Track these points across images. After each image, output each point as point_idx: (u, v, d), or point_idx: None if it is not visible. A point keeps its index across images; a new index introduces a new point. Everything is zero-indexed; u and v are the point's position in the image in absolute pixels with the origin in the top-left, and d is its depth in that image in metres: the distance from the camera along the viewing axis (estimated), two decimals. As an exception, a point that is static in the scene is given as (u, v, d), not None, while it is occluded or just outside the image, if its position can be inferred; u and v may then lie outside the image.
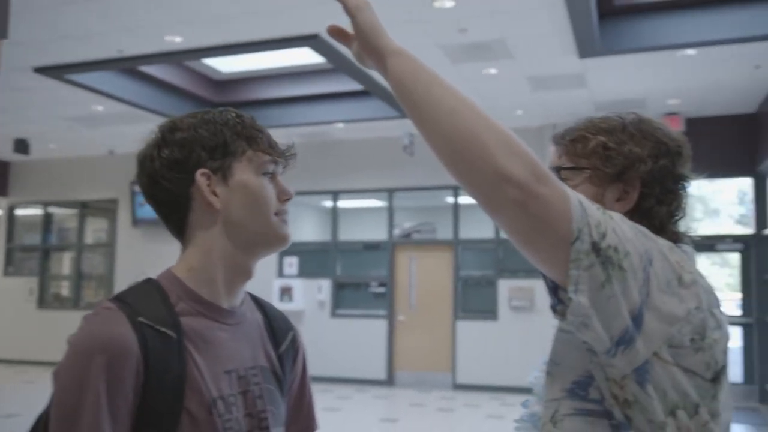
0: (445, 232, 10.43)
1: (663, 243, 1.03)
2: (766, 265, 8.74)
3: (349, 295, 10.83)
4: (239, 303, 1.23)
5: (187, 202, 1.17)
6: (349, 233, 11.11)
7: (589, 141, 1.17)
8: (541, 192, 0.92)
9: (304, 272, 10.79)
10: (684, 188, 1.18)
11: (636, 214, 1.12)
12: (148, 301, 1.11)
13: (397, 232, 10.57)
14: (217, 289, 1.18)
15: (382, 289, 10.53)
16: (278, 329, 1.31)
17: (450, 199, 10.50)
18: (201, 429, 1.08)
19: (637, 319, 0.95)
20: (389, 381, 10.22)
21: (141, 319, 1.07)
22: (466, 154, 0.95)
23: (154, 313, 1.10)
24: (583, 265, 0.93)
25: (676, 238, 1.14)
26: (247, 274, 1.21)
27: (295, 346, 1.34)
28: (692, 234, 1.18)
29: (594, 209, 0.97)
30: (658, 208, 1.15)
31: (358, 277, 10.83)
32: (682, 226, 1.18)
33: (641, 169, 1.13)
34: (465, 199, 10.50)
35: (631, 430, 0.98)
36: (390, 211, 10.60)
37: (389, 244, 10.51)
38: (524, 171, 0.92)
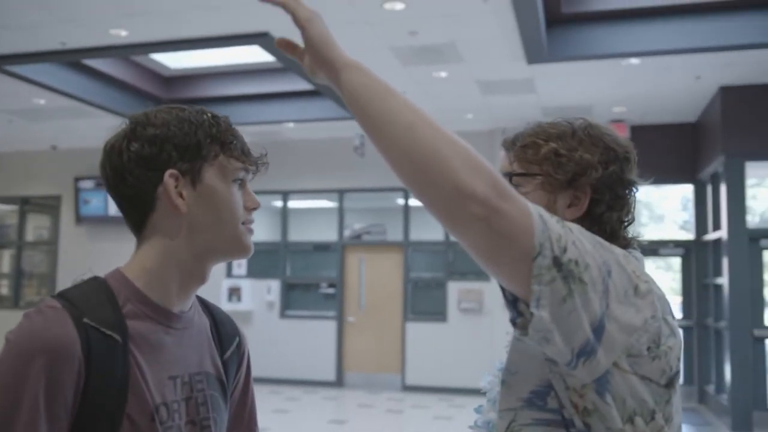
0: (395, 234, 10.46)
1: (618, 252, 1.04)
2: (705, 269, 9.02)
3: (298, 296, 10.77)
4: (189, 307, 1.20)
5: (152, 201, 1.14)
6: (299, 234, 11.05)
7: (541, 147, 1.18)
8: (503, 207, 0.91)
9: (253, 272, 10.68)
10: (632, 194, 1.20)
11: (587, 220, 1.14)
12: (94, 302, 1.07)
13: (347, 233, 10.56)
14: (169, 293, 1.15)
15: (331, 290, 10.50)
16: (225, 334, 1.29)
17: (400, 201, 10.54)
18: None
19: (597, 331, 0.96)
20: (338, 382, 10.20)
21: (86, 320, 1.04)
22: (426, 170, 0.93)
23: (100, 314, 1.06)
24: (544, 280, 0.93)
25: (626, 243, 1.16)
26: (202, 278, 1.19)
27: (240, 352, 1.32)
28: (640, 239, 1.20)
29: (554, 222, 0.97)
30: (608, 214, 1.16)
31: (307, 278, 10.78)
32: (631, 231, 1.20)
33: (592, 175, 1.15)
34: (415, 202, 10.53)
35: None
36: (340, 212, 10.58)
37: (339, 245, 10.49)
38: (485, 186, 0.91)
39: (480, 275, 9.77)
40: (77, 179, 11.17)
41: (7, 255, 12.40)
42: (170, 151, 1.13)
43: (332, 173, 10.39)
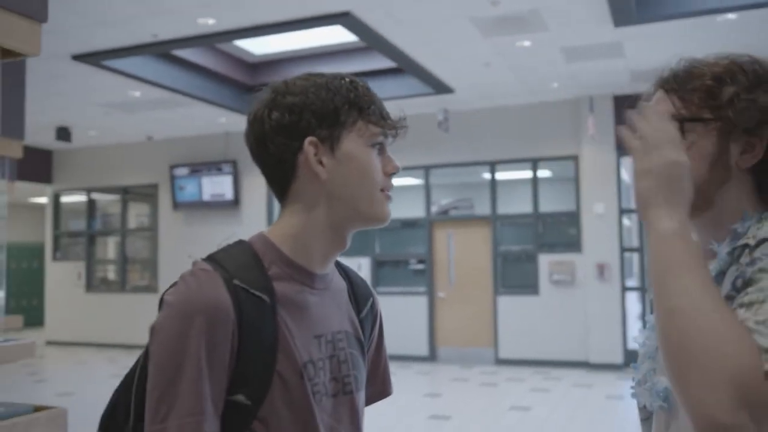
0: (482, 208, 10.38)
1: None
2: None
3: (388, 273, 10.88)
4: (329, 269, 1.24)
5: (293, 169, 1.16)
6: (387, 211, 11.12)
7: (716, 90, 1.09)
8: (756, 425, 0.80)
9: (344, 251, 10.84)
10: None
11: (760, 168, 1.08)
12: (242, 264, 1.11)
13: (434, 209, 10.56)
14: (312, 258, 1.18)
15: (421, 266, 10.56)
16: (360, 295, 1.33)
17: (486, 175, 10.43)
18: (291, 392, 1.10)
19: None
20: (432, 357, 10.28)
21: (236, 282, 1.08)
22: (674, 367, 0.87)
23: (249, 276, 1.10)
24: None
25: None
26: (343, 245, 1.21)
27: (374, 312, 1.35)
28: None
29: None
30: None
31: (397, 255, 10.87)
32: None
33: None
34: (502, 175, 10.41)
35: None
36: (427, 188, 10.58)
37: (427, 221, 10.51)
38: (730, 411, 0.80)
39: (570, 246, 9.59)
40: (172, 167, 11.63)
41: (113, 242, 13.10)
42: (309, 118, 1.14)
43: (418, 150, 10.38)
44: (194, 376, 1.01)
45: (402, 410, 7.19)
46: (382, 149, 1.21)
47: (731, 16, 6.50)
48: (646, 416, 1.27)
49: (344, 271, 1.34)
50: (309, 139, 1.14)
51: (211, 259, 1.12)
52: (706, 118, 1.08)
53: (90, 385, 8.60)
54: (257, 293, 1.09)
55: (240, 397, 1.06)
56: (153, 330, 1.05)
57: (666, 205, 0.97)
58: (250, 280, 1.09)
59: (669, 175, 0.98)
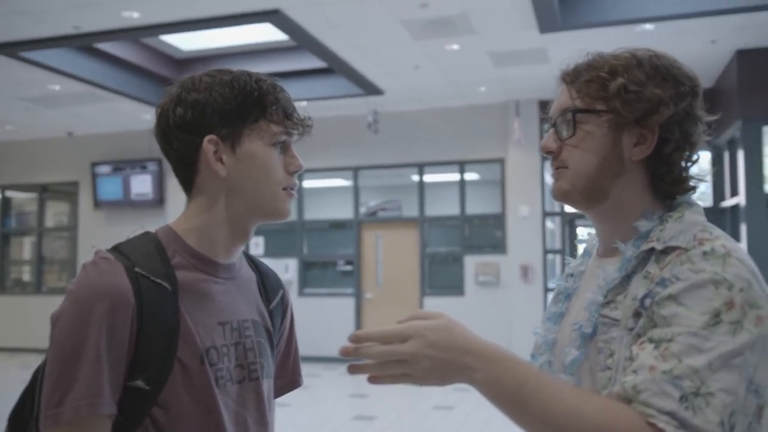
0: (410, 210, 10.47)
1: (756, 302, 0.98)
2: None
3: (316, 274, 10.83)
4: (235, 260, 1.26)
5: (195, 164, 1.18)
6: (315, 212, 11.09)
7: (608, 82, 1.10)
8: None
9: (271, 252, 10.75)
10: (699, 131, 1.12)
11: (653, 161, 1.10)
12: (144, 253, 1.14)
13: (363, 210, 10.58)
14: (215, 248, 1.21)
15: (349, 268, 10.56)
16: (270, 287, 1.35)
17: (415, 177, 10.53)
18: (193, 378, 1.12)
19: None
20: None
21: (137, 269, 1.10)
22: None
23: (150, 264, 1.13)
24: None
25: (689, 188, 1.12)
26: (245, 237, 1.24)
27: (284, 303, 1.39)
28: (703, 179, 1.14)
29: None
30: (678, 153, 1.10)
31: (324, 256, 10.84)
32: (693, 171, 1.14)
33: (665, 113, 1.07)
34: (430, 177, 10.53)
35: None
36: (355, 189, 10.59)
37: (355, 223, 10.52)
38: None
39: (496, 248, 9.78)
40: (94, 164, 11.26)
41: (28, 242, 12.57)
42: (211, 116, 1.17)
43: (346, 151, 10.38)
44: (92, 361, 1.03)
45: (327, 411, 7.18)
46: (285, 147, 1.24)
47: (648, 26, 6.78)
48: None
49: (254, 264, 1.37)
50: (208, 137, 1.16)
51: (113, 248, 1.14)
52: (598, 110, 1.10)
53: (5, 389, 8.22)
54: (158, 280, 1.11)
55: (139, 383, 1.08)
56: (53, 318, 1.07)
57: (454, 370, 1.04)
58: (152, 268, 1.12)
59: (432, 355, 1.03)
